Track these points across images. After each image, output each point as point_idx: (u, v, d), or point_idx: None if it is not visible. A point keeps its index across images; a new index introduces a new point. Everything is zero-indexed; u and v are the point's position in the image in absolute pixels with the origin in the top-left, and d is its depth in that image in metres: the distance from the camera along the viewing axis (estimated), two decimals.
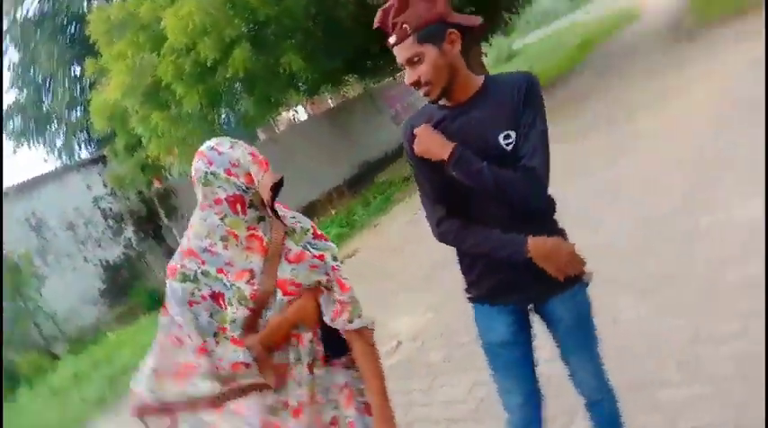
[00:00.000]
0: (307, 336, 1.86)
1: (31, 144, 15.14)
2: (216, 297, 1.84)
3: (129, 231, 11.90)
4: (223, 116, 12.21)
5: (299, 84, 12.37)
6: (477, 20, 1.82)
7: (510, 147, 1.79)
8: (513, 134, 1.79)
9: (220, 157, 1.80)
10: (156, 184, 11.95)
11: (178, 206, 12.63)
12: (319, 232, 1.93)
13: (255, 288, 1.82)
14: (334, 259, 1.88)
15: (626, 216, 4.62)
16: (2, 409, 5.22)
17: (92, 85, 12.91)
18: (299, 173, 12.93)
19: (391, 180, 11.72)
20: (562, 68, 17.01)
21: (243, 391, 1.86)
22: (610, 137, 7.27)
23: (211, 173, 1.80)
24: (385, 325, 4.32)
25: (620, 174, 5.67)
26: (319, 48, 10.49)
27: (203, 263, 1.84)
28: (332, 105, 19.68)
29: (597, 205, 5.08)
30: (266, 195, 1.77)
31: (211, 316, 1.84)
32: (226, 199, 1.80)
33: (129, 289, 11.28)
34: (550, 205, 1.94)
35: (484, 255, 1.87)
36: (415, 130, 1.85)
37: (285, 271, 1.83)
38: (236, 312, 1.83)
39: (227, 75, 9.01)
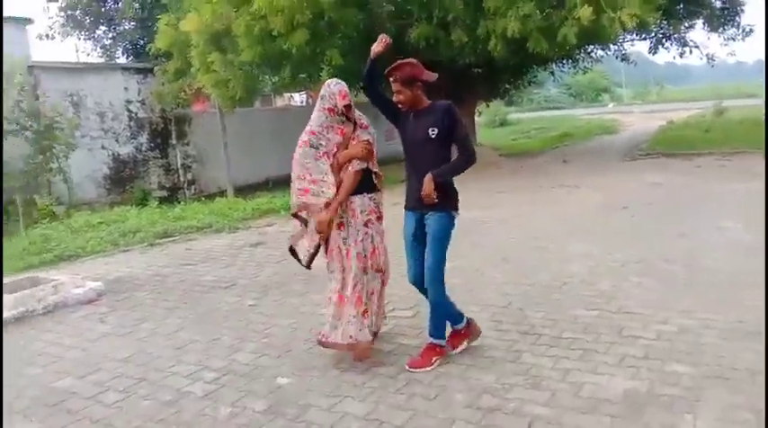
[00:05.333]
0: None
1: (80, 36, 16.87)
2: (327, 154, 3.93)
3: (143, 137, 13.79)
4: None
5: (322, 73, 14.66)
6: (434, 76, 3.93)
7: (434, 135, 3.71)
8: (436, 130, 3.71)
9: (330, 88, 3.94)
10: (197, 108, 13.87)
11: (188, 133, 14.62)
12: (366, 124, 4.00)
13: (337, 151, 3.92)
14: (368, 134, 3.95)
15: (519, 229, 7.03)
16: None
17: (157, 3, 14.84)
18: (283, 145, 15.10)
19: None
20: (537, 146, 19.90)
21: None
22: (535, 195, 10.16)
23: (325, 94, 3.94)
24: None
25: (530, 213, 8.11)
26: (354, 53, 12.74)
27: (318, 138, 3.99)
28: None
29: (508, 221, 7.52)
30: (340, 109, 3.86)
31: (322, 163, 3.95)
32: (328, 108, 3.93)
33: (128, 184, 13.16)
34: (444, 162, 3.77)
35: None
36: (425, 181, 3.64)
37: (358, 132, 3.92)
38: (332, 161, 3.94)
39: (284, 47, 11.12)
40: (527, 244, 6.77)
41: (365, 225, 3.93)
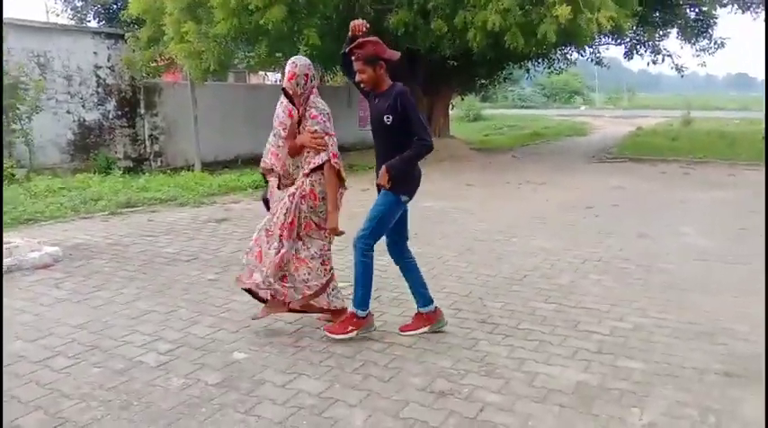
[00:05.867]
0: (308, 153, 3.90)
1: None
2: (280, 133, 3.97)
3: (110, 104, 13.42)
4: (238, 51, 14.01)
5: (299, 53, 14.48)
6: (397, 54, 3.89)
7: (389, 122, 3.73)
8: (390, 117, 3.72)
9: (286, 66, 3.95)
10: (168, 78, 13.52)
11: (158, 104, 14.31)
12: (315, 114, 3.90)
13: (287, 131, 3.92)
14: (317, 124, 3.89)
15: (486, 222, 7.08)
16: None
17: None
18: (256, 123, 14.86)
19: None
20: (508, 143, 20.10)
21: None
22: (503, 189, 10.17)
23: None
24: None
25: (497, 207, 8.18)
26: (332, 35, 12.62)
27: (283, 110, 3.95)
28: None
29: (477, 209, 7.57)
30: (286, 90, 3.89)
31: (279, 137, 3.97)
32: (283, 88, 3.94)
33: (92, 151, 12.83)
34: (403, 149, 3.75)
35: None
36: (381, 173, 3.75)
37: (308, 122, 3.89)
38: (284, 140, 3.96)
39: (260, 22, 10.94)
40: (492, 236, 6.82)
41: (291, 195, 3.91)
